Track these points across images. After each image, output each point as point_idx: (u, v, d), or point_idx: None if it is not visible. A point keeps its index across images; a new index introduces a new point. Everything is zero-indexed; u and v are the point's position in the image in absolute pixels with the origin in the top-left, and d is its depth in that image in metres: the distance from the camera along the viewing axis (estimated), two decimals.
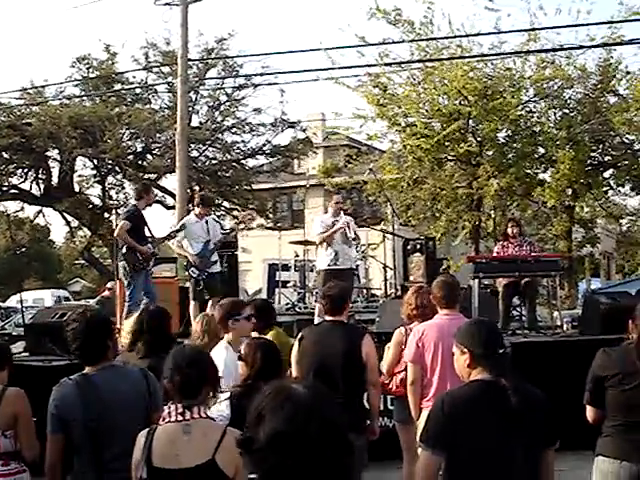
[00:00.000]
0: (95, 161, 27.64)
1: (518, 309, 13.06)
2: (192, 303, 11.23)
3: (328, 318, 6.65)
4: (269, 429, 2.17)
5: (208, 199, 12.39)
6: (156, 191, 28.62)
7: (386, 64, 19.12)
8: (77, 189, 28.76)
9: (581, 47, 18.73)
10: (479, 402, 4.03)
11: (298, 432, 2.16)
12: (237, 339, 6.03)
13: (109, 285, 16.95)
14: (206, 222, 11.42)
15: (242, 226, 11.84)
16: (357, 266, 15.64)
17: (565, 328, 12.13)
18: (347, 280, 10.63)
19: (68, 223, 30.48)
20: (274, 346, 5.41)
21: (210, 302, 11.05)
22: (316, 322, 10.50)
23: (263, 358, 5.10)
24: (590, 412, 5.05)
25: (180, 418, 3.76)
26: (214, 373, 4.03)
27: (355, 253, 15.31)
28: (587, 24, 18.26)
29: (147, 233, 11.13)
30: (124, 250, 10.85)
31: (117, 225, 11.27)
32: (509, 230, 12.30)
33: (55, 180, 28.12)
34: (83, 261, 35.69)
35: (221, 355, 5.82)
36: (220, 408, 4.75)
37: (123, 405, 4.36)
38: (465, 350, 4.12)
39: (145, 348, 5.56)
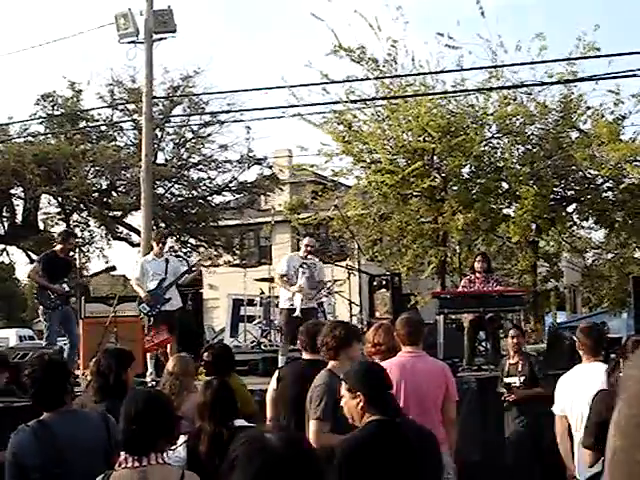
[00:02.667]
0: (60, 199, 27.43)
1: (484, 344, 13.08)
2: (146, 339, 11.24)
3: (306, 357, 6.57)
4: None
5: (159, 235, 12.61)
6: (121, 228, 28.55)
7: (351, 101, 19.20)
8: (42, 227, 28.51)
9: (542, 84, 18.94)
10: (377, 443, 4.05)
11: None
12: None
13: None
14: (166, 260, 11.50)
15: (206, 264, 12.09)
16: (322, 302, 15.62)
17: None
18: (311, 318, 10.68)
19: (32, 261, 30.14)
20: (227, 387, 5.32)
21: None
22: (281, 361, 10.50)
23: (213, 399, 5.03)
24: (591, 456, 4.96)
25: (137, 464, 3.69)
26: (169, 422, 3.93)
27: (323, 293, 15.35)
28: (547, 61, 18.47)
29: (65, 276, 11.45)
30: (35, 291, 11.45)
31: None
32: (476, 264, 12.34)
33: (19, 218, 27.88)
34: None
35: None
36: (177, 451, 4.68)
37: (82, 450, 4.28)
38: (358, 393, 4.25)
39: (98, 392, 5.46)
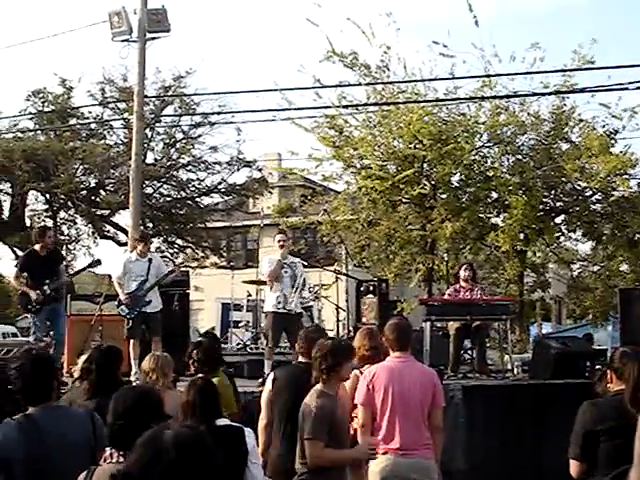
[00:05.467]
0: (47, 196, 27.33)
1: (469, 352, 13.10)
2: (131, 341, 11.17)
3: (303, 360, 6.54)
4: (123, 467, 2.16)
5: (145, 235, 12.61)
6: (108, 227, 28.45)
7: (342, 106, 19.19)
8: (28, 223, 28.36)
9: (535, 94, 19.00)
10: None
11: (141, 475, 2.12)
12: None
13: None
14: (149, 261, 11.42)
15: (174, 272, 12.14)
16: (310, 307, 15.59)
17: (515, 372, 12.18)
18: (295, 324, 10.63)
19: (17, 258, 30.00)
20: (212, 386, 5.31)
21: (153, 342, 11.03)
22: (267, 366, 10.46)
23: (196, 398, 5.02)
24: (576, 467, 4.94)
25: (122, 460, 3.66)
26: (157, 420, 3.90)
27: (308, 294, 15.32)
28: (541, 72, 18.54)
29: (49, 274, 11.45)
30: (19, 295, 11.64)
31: None
32: (462, 273, 12.35)
33: (6, 214, 27.73)
34: None
35: None
36: None
37: (67, 447, 4.24)
38: None
39: (91, 388, 5.46)
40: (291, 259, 11.42)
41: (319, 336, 6.61)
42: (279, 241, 11.31)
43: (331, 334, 16.68)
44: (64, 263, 11.92)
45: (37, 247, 11.64)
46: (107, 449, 3.74)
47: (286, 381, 6.44)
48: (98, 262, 12.41)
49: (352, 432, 6.81)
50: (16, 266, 11.79)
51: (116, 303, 11.48)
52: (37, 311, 11.24)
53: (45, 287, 11.28)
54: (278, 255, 11.28)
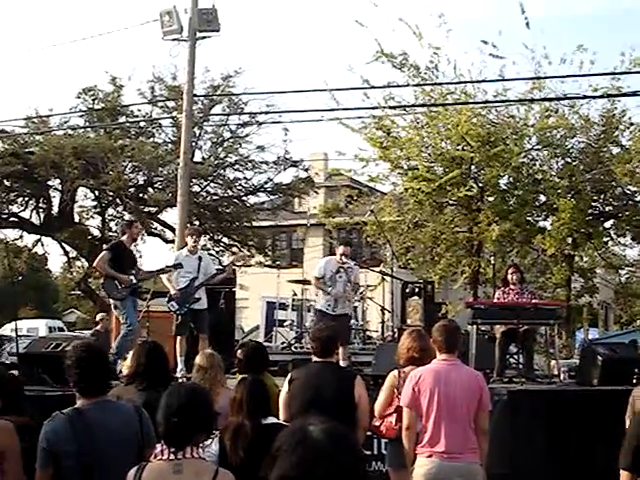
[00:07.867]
0: (96, 192, 27.59)
1: (515, 357, 12.97)
2: (178, 338, 11.23)
3: (317, 360, 6.59)
4: (278, 472, 2.11)
5: (194, 230, 12.60)
6: (156, 224, 28.67)
7: (390, 107, 19.15)
8: (77, 219, 28.71)
9: (585, 97, 18.79)
10: None
11: (304, 477, 2.09)
12: None
13: (98, 317, 16.90)
14: (199, 258, 11.48)
15: (239, 264, 12.08)
16: (355, 307, 15.58)
17: (562, 377, 12.04)
18: (342, 325, 10.74)
19: (66, 253, 30.38)
20: (261, 384, 5.33)
21: (200, 339, 11.10)
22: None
23: (245, 395, 5.04)
24: (627, 478, 4.85)
25: (172, 457, 3.69)
26: (209, 417, 3.93)
27: (355, 297, 15.36)
28: (591, 74, 18.34)
29: (132, 267, 11.26)
30: (102, 280, 11.26)
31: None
32: (509, 276, 12.19)
33: (55, 210, 28.05)
34: (79, 292, 35.54)
35: None
36: (209, 446, 4.69)
37: (116, 441, 4.28)
38: None
39: (144, 382, 5.50)
40: (348, 263, 11.62)
41: (328, 335, 6.64)
42: (342, 255, 11.59)
43: (375, 335, 16.72)
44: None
45: (124, 238, 11.42)
46: (158, 445, 3.77)
47: (302, 380, 6.47)
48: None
49: (384, 430, 6.84)
50: (108, 250, 11.36)
51: (166, 299, 11.55)
52: (121, 299, 10.96)
53: (132, 277, 11.04)
54: (334, 263, 11.64)
